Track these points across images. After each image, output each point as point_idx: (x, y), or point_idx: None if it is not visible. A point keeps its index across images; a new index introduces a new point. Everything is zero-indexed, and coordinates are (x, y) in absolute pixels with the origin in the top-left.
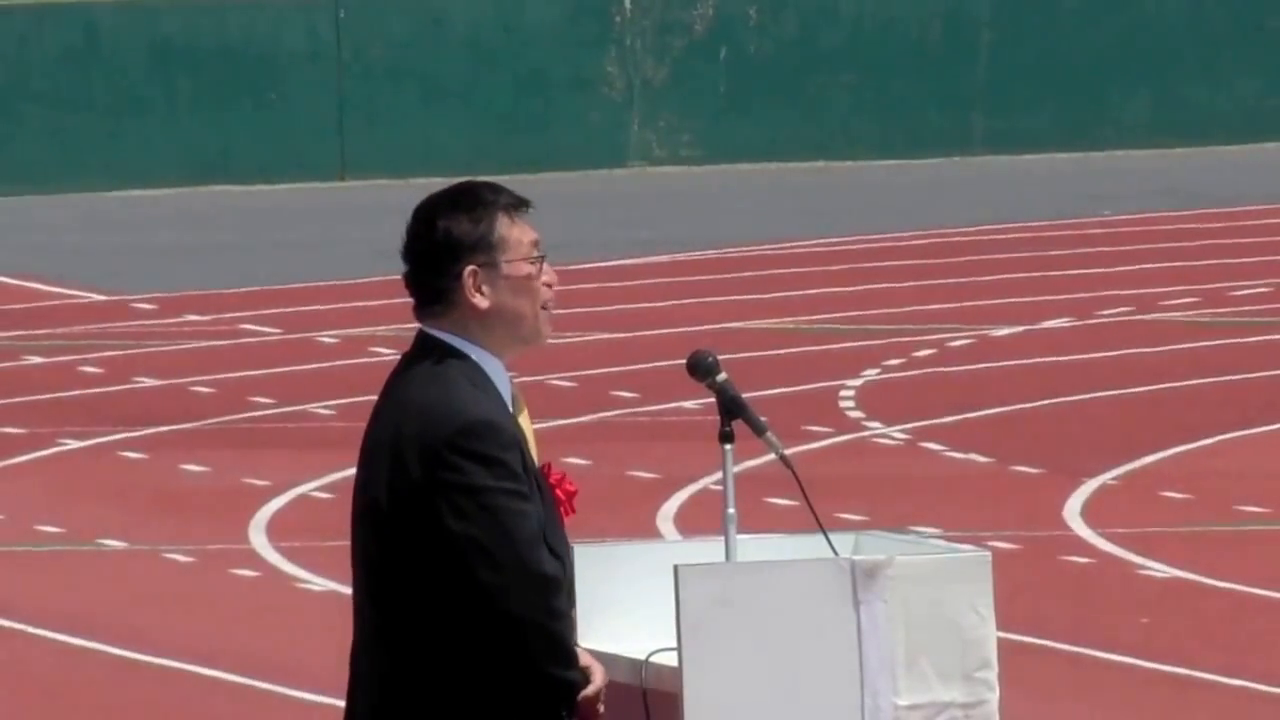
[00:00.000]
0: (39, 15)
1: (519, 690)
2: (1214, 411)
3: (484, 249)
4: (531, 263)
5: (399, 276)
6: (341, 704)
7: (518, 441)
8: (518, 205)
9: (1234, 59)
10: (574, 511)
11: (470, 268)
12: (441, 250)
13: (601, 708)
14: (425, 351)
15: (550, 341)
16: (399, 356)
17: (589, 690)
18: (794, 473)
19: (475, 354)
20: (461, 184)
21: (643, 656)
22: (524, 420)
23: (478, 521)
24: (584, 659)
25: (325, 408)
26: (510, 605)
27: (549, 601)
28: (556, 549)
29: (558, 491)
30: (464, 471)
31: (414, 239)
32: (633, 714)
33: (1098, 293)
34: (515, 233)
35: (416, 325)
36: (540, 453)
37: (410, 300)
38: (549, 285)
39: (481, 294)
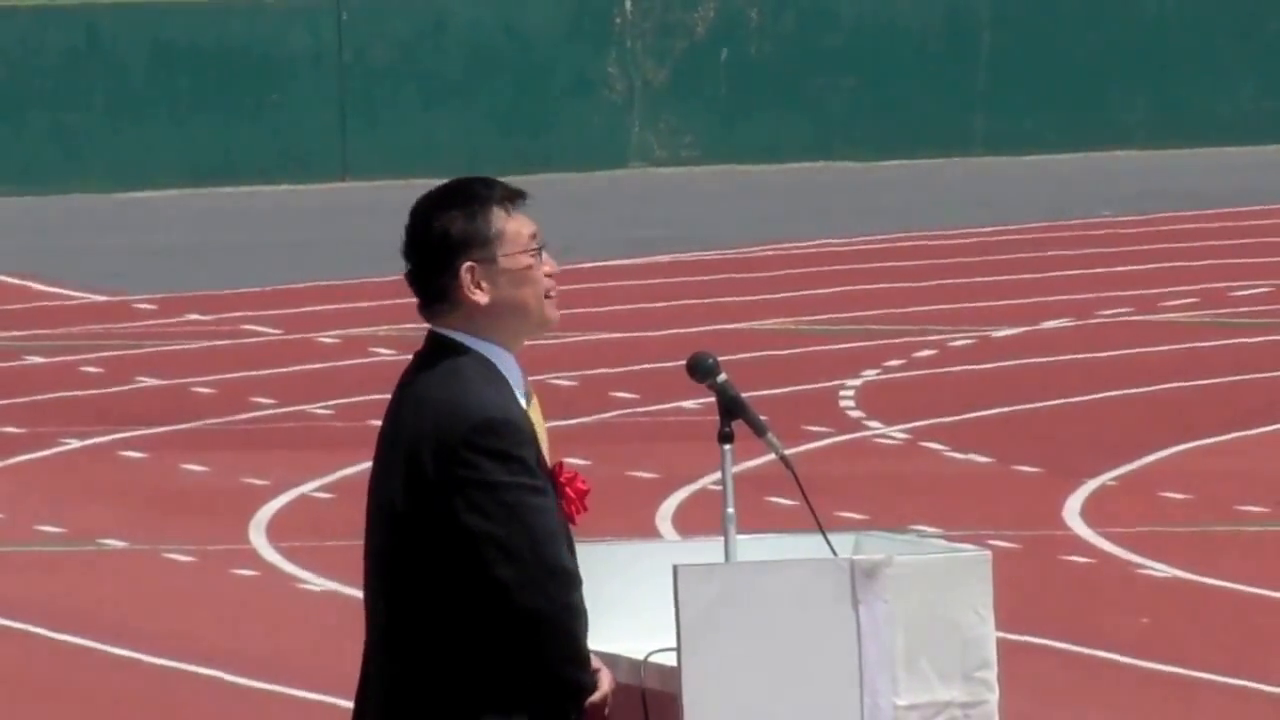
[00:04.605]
0: (41, 16)
1: (531, 690)
2: (1214, 411)
3: (480, 244)
4: (530, 254)
5: (400, 276)
6: (343, 703)
7: (533, 438)
8: (513, 198)
9: (1233, 61)
10: (586, 509)
11: (467, 264)
12: (438, 248)
13: (607, 711)
14: (436, 350)
15: (551, 341)
16: (401, 356)
17: (595, 697)
18: (794, 473)
19: (485, 349)
20: (456, 180)
21: (641, 656)
22: (535, 415)
23: (495, 517)
24: (594, 663)
25: (325, 408)
26: (528, 600)
27: (567, 597)
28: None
29: (569, 490)
30: (481, 468)
31: (412, 238)
32: (632, 714)
33: (1098, 293)
34: (512, 226)
35: (420, 325)
36: (551, 449)
37: (414, 299)
38: (550, 275)
39: (480, 289)
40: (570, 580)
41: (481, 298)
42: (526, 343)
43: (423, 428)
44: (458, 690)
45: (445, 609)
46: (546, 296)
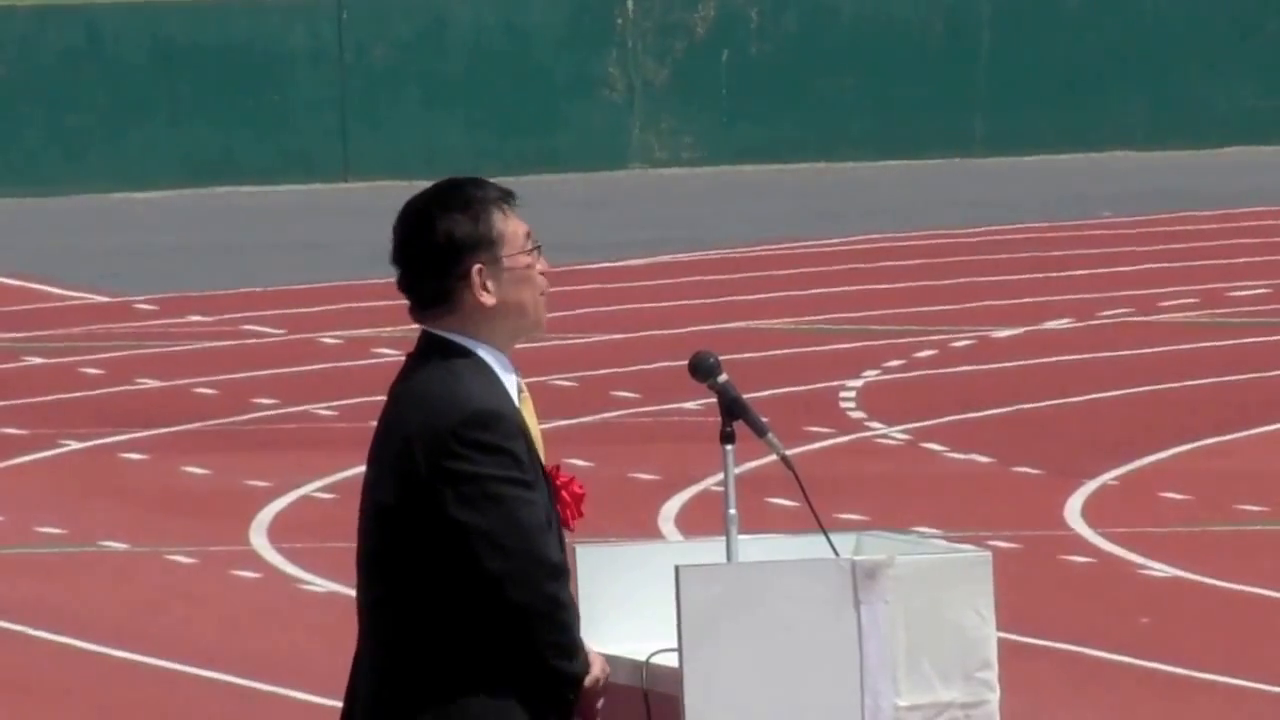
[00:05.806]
0: (41, 15)
1: (522, 680)
2: (1214, 411)
3: (485, 246)
4: (528, 254)
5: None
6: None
7: (523, 431)
8: (506, 198)
9: (1233, 61)
10: (582, 515)
11: (477, 266)
12: (444, 252)
13: (600, 703)
14: (430, 349)
15: (552, 342)
16: (403, 357)
17: (587, 683)
18: (795, 473)
19: (480, 350)
20: (445, 183)
21: (644, 658)
22: (528, 414)
23: (484, 510)
24: (585, 649)
25: (327, 409)
26: (517, 593)
27: (556, 590)
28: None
29: (564, 494)
30: (470, 460)
31: (410, 242)
32: (634, 715)
33: (1098, 294)
34: (511, 226)
35: (418, 326)
36: (546, 452)
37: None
38: (543, 274)
39: (488, 291)
40: (558, 573)
41: (489, 299)
42: (519, 345)
43: (415, 423)
44: (448, 680)
45: (436, 604)
46: (541, 294)
